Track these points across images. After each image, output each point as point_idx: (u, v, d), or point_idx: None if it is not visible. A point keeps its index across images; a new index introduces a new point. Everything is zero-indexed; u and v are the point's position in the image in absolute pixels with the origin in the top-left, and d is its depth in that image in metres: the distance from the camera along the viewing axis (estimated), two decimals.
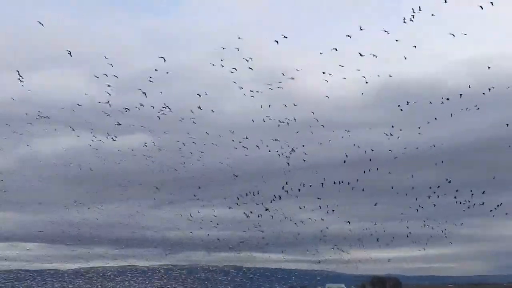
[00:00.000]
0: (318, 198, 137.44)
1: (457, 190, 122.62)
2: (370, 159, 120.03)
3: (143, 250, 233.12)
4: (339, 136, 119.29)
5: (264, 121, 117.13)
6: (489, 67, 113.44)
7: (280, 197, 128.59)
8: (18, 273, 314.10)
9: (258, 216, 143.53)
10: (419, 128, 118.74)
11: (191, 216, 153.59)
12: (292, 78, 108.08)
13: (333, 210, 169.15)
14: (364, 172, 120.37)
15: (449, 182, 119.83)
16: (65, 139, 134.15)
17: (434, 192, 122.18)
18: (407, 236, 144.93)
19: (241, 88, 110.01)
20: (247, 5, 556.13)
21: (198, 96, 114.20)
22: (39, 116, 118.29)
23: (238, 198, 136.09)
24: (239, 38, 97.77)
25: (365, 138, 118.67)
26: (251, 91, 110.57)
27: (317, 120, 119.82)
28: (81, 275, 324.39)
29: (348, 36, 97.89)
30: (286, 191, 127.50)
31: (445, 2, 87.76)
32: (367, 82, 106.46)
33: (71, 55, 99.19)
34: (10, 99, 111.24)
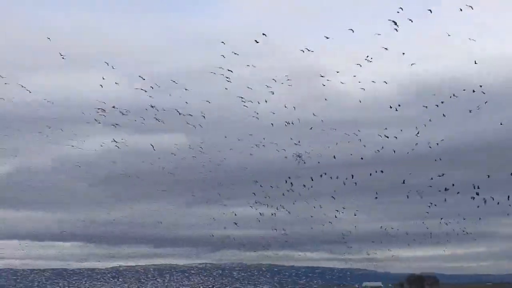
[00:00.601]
0: (348, 198, 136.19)
1: (497, 189, 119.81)
2: (401, 158, 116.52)
3: (179, 249, 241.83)
4: (365, 135, 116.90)
5: (292, 123, 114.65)
6: None
7: (313, 197, 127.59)
8: (55, 272, 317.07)
9: (292, 215, 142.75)
10: (450, 126, 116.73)
11: (225, 215, 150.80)
12: (322, 76, 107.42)
13: (367, 210, 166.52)
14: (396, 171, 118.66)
15: (488, 177, 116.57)
16: (99, 139, 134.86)
17: (477, 194, 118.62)
18: (446, 234, 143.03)
19: (270, 88, 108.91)
20: (273, 4, 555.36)
21: (231, 96, 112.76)
22: (73, 116, 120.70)
23: (269, 198, 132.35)
24: (264, 35, 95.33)
25: (392, 137, 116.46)
26: (283, 90, 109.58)
27: (343, 119, 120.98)
28: (119, 274, 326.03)
29: (378, 34, 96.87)
30: (316, 190, 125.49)
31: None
32: (396, 81, 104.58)
33: (102, 56, 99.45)
34: (43, 100, 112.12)
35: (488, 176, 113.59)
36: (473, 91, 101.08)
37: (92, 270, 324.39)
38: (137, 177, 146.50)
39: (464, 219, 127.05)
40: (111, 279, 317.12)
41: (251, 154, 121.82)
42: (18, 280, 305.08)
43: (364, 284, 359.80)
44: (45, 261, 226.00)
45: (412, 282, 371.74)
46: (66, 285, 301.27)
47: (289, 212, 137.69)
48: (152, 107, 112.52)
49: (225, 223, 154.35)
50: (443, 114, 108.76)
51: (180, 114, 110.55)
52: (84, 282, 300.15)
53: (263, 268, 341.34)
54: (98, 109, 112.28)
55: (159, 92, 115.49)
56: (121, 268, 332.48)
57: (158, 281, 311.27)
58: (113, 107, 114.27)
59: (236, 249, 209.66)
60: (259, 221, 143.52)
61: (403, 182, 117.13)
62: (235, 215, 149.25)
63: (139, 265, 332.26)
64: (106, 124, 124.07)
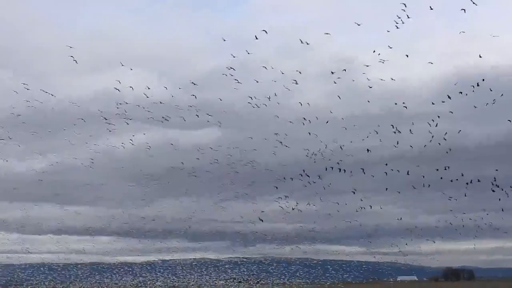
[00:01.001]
0: (393, 191, 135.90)
1: None
2: (448, 150, 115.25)
3: (214, 243, 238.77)
4: (413, 127, 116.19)
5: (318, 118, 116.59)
6: None
7: (353, 190, 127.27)
8: (94, 266, 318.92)
9: (329, 209, 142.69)
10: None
11: (260, 209, 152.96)
12: (363, 72, 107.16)
13: (406, 203, 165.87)
14: (442, 164, 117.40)
15: None
16: (139, 135, 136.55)
17: None
18: (481, 229, 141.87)
19: (299, 84, 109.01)
20: (309, 2, 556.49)
21: (268, 92, 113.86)
22: (115, 112, 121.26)
23: (307, 192, 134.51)
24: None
25: (440, 129, 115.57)
26: (313, 86, 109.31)
27: (387, 111, 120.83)
28: (154, 268, 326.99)
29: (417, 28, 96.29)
30: (356, 184, 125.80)
31: None
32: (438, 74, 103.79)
33: (142, 54, 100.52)
34: (86, 97, 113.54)
35: None
36: None
37: (129, 264, 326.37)
38: (170, 173, 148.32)
39: (502, 210, 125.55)
40: (146, 273, 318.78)
41: (284, 144, 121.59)
42: (54, 275, 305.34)
43: (399, 278, 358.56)
44: (81, 255, 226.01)
45: (448, 275, 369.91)
46: (103, 279, 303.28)
47: (315, 208, 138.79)
48: (189, 106, 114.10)
49: (256, 218, 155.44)
50: (487, 109, 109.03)
51: (210, 111, 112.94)
52: (119, 276, 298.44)
53: (297, 262, 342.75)
54: (136, 105, 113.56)
55: (191, 89, 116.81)
56: (156, 262, 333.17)
57: (192, 275, 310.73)
58: (154, 102, 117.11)
59: (268, 243, 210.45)
60: (288, 216, 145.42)
61: (441, 178, 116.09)
62: (262, 211, 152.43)
63: (173, 260, 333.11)
64: (138, 121, 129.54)
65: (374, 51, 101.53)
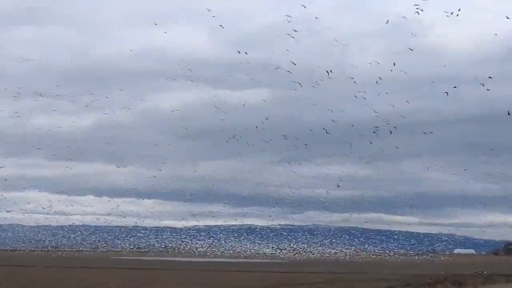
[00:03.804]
0: (442, 157, 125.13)
1: None
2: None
3: (262, 209, 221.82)
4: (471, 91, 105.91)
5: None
6: None
7: (406, 156, 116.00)
8: (134, 229, 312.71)
9: (383, 175, 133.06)
10: None
11: (311, 174, 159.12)
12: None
13: (464, 171, 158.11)
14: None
15: None
16: (185, 93, 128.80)
17: None
18: None
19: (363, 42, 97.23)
20: None
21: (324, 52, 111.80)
22: (161, 70, 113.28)
23: (357, 156, 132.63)
24: None
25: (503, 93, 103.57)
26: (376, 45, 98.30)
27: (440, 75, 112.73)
28: (198, 233, 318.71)
29: None
30: (411, 149, 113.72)
31: None
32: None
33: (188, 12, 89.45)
34: (130, 52, 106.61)
35: None
36: None
37: (173, 228, 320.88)
38: (223, 133, 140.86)
39: None
40: (190, 237, 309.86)
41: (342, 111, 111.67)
42: (93, 236, 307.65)
43: (456, 251, 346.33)
44: (121, 217, 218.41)
45: (509, 250, 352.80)
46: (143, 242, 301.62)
47: (377, 172, 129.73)
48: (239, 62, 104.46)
49: (311, 182, 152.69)
50: None
51: (266, 69, 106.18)
52: (161, 240, 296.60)
53: (352, 231, 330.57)
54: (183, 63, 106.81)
55: (245, 47, 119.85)
56: (200, 227, 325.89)
57: (237, 242, 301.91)
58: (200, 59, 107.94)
59: (321, 210, 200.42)
60: (346, 181, 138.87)
61: None
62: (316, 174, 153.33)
63: (218, 225, 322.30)
64: (193, 79, 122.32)
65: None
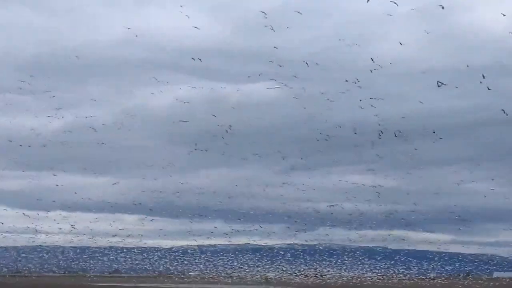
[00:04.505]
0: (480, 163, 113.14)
1: None
2: None
3: (265, 226, 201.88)
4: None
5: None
6: None
7: (435, 163, 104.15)
8: (112, 250, 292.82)
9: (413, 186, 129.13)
10: None
11: (323, 184, 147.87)
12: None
13: (503, 179, 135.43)
14: None
15: None
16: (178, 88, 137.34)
17: None
18: None
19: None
20: None
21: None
22: (148, 59, 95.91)
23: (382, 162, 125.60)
24: None
25: None
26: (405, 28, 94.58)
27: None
28: (187, 254, 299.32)
29: None
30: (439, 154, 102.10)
31: None
32: None
33: None
34: (114, 41, 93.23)
35: None
36: None
37: (159, 248, 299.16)
38: (224, 132, 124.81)
39: None
40: (179, 259, 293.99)
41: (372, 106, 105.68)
42: (63, 258, 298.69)
43: (496, 274, 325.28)
44: (98, 237, 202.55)
45: None
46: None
47: (403, 182, 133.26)
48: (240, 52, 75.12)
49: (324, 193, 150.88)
50: None
51: (272, 62, 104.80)
52: (145, 262, 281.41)
53: (369, 250, 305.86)
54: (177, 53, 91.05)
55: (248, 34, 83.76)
56: (193, 247, 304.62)
57: (235, 262, 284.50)
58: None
59: (336, 227, 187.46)
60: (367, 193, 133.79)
61: None
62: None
63: (213, 244, 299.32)
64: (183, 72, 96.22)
65: None
